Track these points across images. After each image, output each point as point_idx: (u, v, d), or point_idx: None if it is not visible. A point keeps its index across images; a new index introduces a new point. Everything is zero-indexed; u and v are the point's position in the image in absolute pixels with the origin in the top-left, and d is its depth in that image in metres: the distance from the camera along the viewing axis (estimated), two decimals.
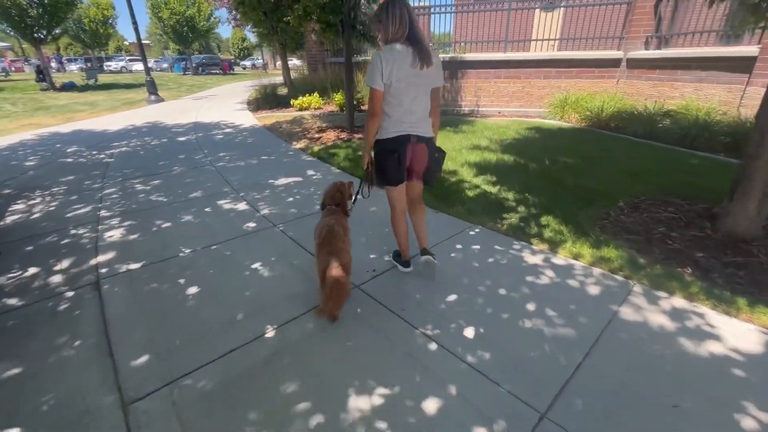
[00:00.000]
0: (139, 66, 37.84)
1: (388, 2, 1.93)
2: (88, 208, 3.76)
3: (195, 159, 5.49)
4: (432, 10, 9.58)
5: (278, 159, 5.39)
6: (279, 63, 24.04)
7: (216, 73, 30.48)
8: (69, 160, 5.60)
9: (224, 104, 11.83)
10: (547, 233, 3.01)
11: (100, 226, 3.34)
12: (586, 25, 8.06)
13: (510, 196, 3.75)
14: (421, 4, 9.99)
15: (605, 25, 7.90)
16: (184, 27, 25.31)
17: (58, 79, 20.44)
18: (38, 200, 4.03)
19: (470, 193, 3.83)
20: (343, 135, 6.44)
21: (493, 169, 4.54)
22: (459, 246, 2.88)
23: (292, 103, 9.71)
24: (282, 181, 4.42)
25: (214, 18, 26.09)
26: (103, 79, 23.49)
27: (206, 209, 3.67)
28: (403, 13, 1.91)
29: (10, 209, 3.82)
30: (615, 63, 7.81)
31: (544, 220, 3.22)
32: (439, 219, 3.35)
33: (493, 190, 3.91)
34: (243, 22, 10.78)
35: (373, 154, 2.20)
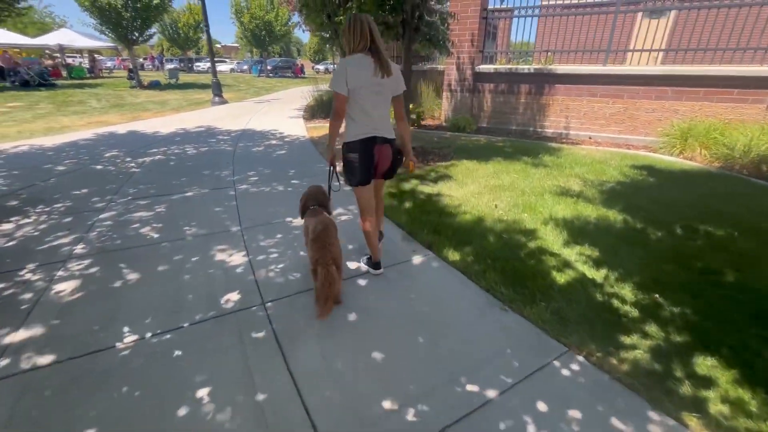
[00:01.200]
0: (223, 67, 40.83)
1: (351, 17, 2.12)
2: (68, 239, 3.11)
3: (220, 177, 4.80)
4: (516, 12, 8.17)
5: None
6: None
7: (288, 76, 31.41)
8: (99, 167, 5.23)
9: (282, 110, 11.46)
10: (715, 402, 1.64)
11: (59, 272, 2.63)
12: (709, 33, 6.15)
13: (626, 293, 2.39)
14: (504, 6, 8.64)
15: (743, 31, 5.93)
16: (262, 31, 26.32)
17: (147, 77, 22.17)
18: (30, 220, 3.50)
19: (559, 278, 2.53)
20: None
21: (593, 234, 3.15)
22: (544, 405, 1.63)
23: None
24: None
25: (291, 23, 26.82)
26: (186, 78, 25.16)
27: (193, 258, 2.82)
28: (364, 27, 2.10)
29: None
30: (764, 83, 5.82)
31: (700, 363, 1.84)
32: (511, 326, 2.12)
33: (597, 276, 2.56)
34: (307, 25, 10.27)
35: (342, 156, 2.34)
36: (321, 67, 48.38)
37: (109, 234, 3.21)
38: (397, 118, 2.41)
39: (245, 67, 40.16)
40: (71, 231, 3.28)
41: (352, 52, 2.14)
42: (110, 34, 16.89)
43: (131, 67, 18.39)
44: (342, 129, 2.31)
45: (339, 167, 2.50)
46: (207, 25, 11.89)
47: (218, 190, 4.34)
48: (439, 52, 5.39)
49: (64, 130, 7.92)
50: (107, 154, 5.91)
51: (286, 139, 7.13)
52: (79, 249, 2.95)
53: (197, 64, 39.00)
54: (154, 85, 18.51)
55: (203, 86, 19.22)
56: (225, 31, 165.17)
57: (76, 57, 27.74)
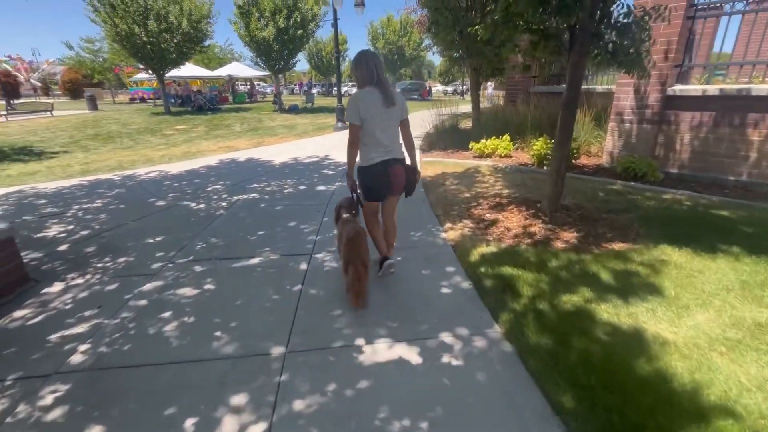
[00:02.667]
0: (355, 90, 43.66)
1: (359, 55, 2.42)
2: (84, 328, 2.37)
3: (300, 236, 3.81)
4: (728, 7, 5.39)
5: (402, 264, 3.11)
6: (488, 91, 22.32)
7: (414, 99, 31.42)
8: (193, 204, 4.86)
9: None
10: None
11: (43, 390, 1.79)
12: None
13: None
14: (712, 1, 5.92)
15: None
16: (394, 56, 26.87)
17: (292, 101, 24.53)
18: (82, 281, 2.98)
19: None
20: (537, 226, 3.63)
21: None
22: None
23: (470, 146, 7.36)
24: (383, 345, 2.09)
25: (422, 47, 26.71)
26: (322, 102, 27.15)
27: (190, 418, 1.68)
28: (370, 64, 2.39)
29: (43, 292, 2.84)
30: None
31: None
32: None
33: None
34: (437, 45, 9.19)
35: (358, 179, 2.63)
36: (449, 88, 47.79)
37: (126, 331, 2.36)
38: (404, 138, 2.67)
39: None
40: (100, 311, 2.57)
41: (362, 87, 2.42)
42: (263, 64, 18.93)
43: (276, 92, 20.37)
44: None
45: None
46: (338, 52, 11.91)
47: (290, 258, 3.31)
48: (626, 71, 3.44)
49: (197, 154, 8.38)
50: (210, 188, 5.63)
51: None
52: (77, 355, 2.14)
53: (335, 88, 42.64)
54: (293, 109, 20.11)
55: (333, 110, 20.10)
56: None
57: (245, 84, 32.98)
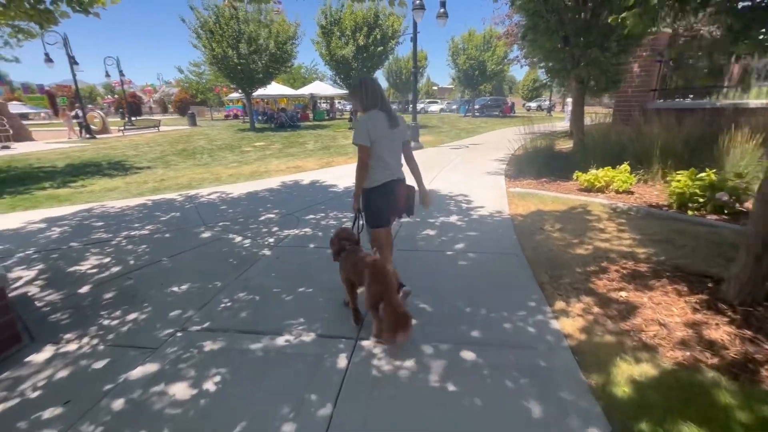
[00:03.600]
0: (434, 107, 42.98)
1: (361, 80, 2.48)
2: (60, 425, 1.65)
3: (344, 308, 2.86)
4: None
5: (480, 378, 1.96)
6: (568, 107, 19.96)
7: (495, 115, 29.56)
8: (238, 239, 4.24)
9: (480, 159, 9.28)
10: None
11: None
12: None
13: None
14: None
15: None
16: (475, 71, 25.55)
17: None
18: (73, 348, 2.36)
19: None
20: (721, 329, 2.20)
21: None
22: None
23: (575, 176, 5.87)
24: None
25: (507, 61, 25.00)
26: None
27: None
28: (375, 88, 2.44)
29: (26, 360, 2.26)
30: None
31: None
32: None
33: None
34: (531, 55, 7.87)
35: (363, 201, 2.54)
36: (533, 104, 44.65)
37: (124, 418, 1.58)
38: (407, 159, 2.66)
39: (454, 106, 40.99)
40: (65, 409, 1.87)
41: (366, 110, 2.42)
42: (341, 83, 19.08)
43: (352, 110, 20.39)
44: None
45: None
46: (416, 67, 11.13)
47: (327, 342, 2.36)
48: None
49: (264, 174, 8.08)
50: (263, 217, 5.02)
51: (475, 217, 4.79)
52: None
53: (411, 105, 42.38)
54: None
55: (408, 127, 19.42)
56: (443, 73, 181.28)
57: (326, 102, 34.30)
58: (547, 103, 40.83)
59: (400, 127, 2.48)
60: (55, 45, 18.05)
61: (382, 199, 2.50)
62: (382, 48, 17.11)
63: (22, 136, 18.75)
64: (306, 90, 28.92)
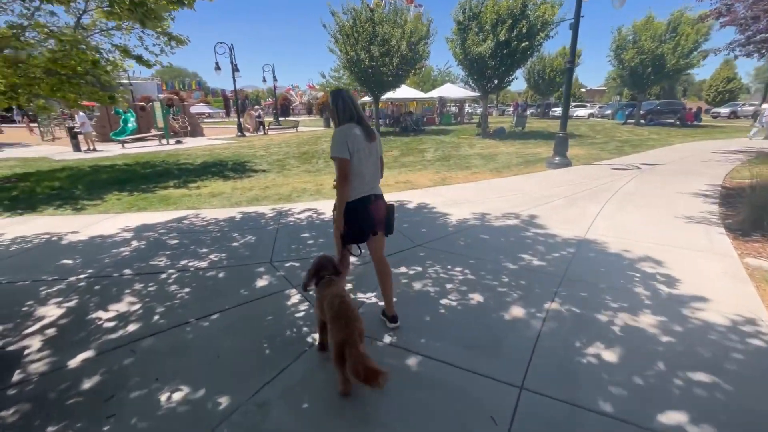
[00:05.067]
0: (581, 112, 36.96)
1: (336, 93, 2.39)
2: None
3: None
4: None
5: None
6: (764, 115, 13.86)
7: (669, 124, 23.21)
8: (292, 299, 3.03)
9: (667, 191, 6.36)
10: None
11: None
12: None
13: None
14: None
15: None
16: (647, 68, 20.29)
17: (500, 123, 21.98)
18: None
19: None
20: None
21: None
22: None
23: None
24: None
25: (698, 52, 19.03)
26: (535, 125, 23.39)
27: None
28: (347, 101, 2.34)
29: None
30: None
31: None
32: None
33: None
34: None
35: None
36: (724, 110, 34.35)
37: None
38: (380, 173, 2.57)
39: (608, 112, 34.40)
40: None
41: (340, 124, 2.33)
42: (473, 84, 17.21)
43: (482, 114, 18.29)
44: None
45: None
46: (572, 61, 8.61)
47: None
48: None
49: None
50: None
51: (694, 324, 2.58)
52: None
53: (554, 109, 37.23)
54: (498, 134, 17.52)
55: (548, 137, 16.33)
56: (592, 74, 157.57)
57: (455, 106, 32.65)
58: (752, 106, 30.77)
59: (376, 140, 2.41)
60: (223, 54, 20.91)
61: (358, 215, 2.36)
62: (527, 43, 14.57)
63: (197, 132, 22.32)
64: (435, 93, 27.75)
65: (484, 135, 16.92)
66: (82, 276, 3.49)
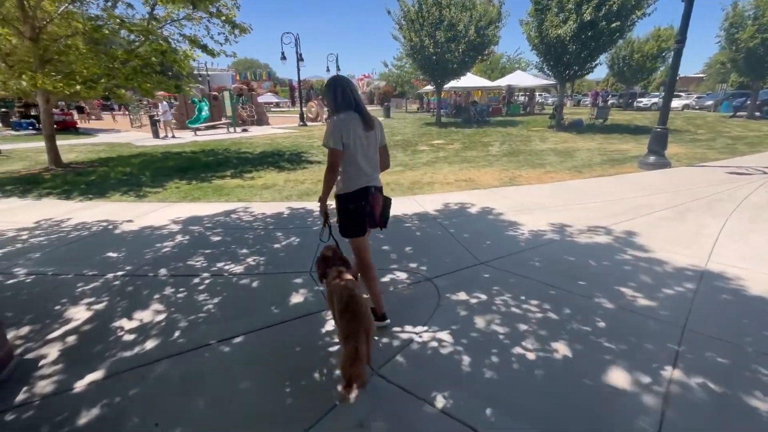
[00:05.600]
0: (674, 102, 32.29)
1: (334, 80, 2.28)
2: None
3: None
4: None
5: None
6: None
7: None
8: (326, 324, 2.55)
9: None
10: None
11: None
12: None
13: None
14: None
15: None
16: None
17: (577, 114, 19.85)
18: None
19: None
20: None
21: None
22: None
23: None
24: None
25: None
26: (619, 117, 20.78)
27: None
28: (346, 89, 2.23)
29: None
30: None
31: None
32: None
33: None
34: None
35: (337, 208, 2.33)
36: None
37: None
38: (382, 167, 2.45)
39: (708, 102, 29.67)
40: None
41: (337, 112, 2.23)
42: (549, 71, 15.55)
43: (557, 104, 16.54)
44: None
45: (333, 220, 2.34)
46: (682, 40, 7.08)
47: None
48: None
49: (425, 188, 6.34)
50: (387, 277, 3.20)
51: None
52: None
53: (639, 99, 33.03)
54: (575, 126, 15.73)
55: (636, 131, 14.24)
56: (687, 60, 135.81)
57: (524, 95, 30.30)
58: None
59: (376, 129, 2.31)
60: (289, 44, 21.26)
61: (357, 207, 2.27)
62: (617, 23, 12.64)
63: (263, 121, 23.14)
64: (504, 81, 25.90)
65: (558, 127, 15.26)
66: (119, 273, 3.34)
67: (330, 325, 2.52)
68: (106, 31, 7.40)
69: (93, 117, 26.92)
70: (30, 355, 2.30)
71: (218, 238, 4.15)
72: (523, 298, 2.79)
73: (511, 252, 3.62)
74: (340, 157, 2.17)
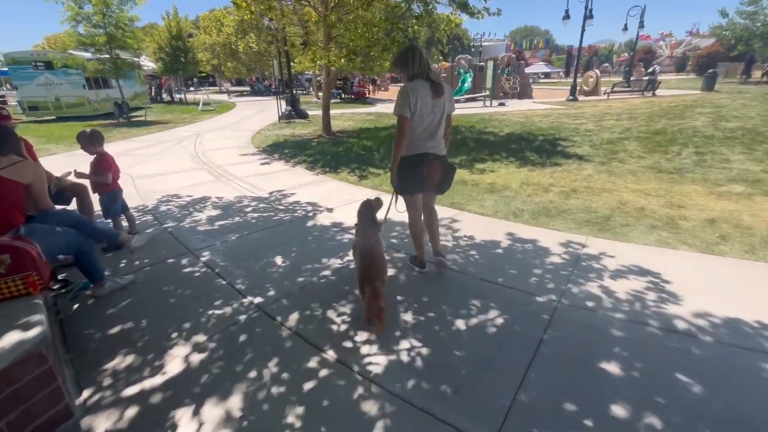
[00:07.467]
0: None
1: (408, 48, 2.37)
2: None
3: None
4: None
5: None
6: None
7: None
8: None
9: None
10: None
11: None
12: None
13: None
14: None
15: None
16: None
17: None
18: None
19: None
20: None
21: None
22: None
23: None
24: None
25: None
26: None
27: None
28: (422, 56, 2.31)
29: None
30: None
31: None
32: None
33: None
34: None
35: (398, 169, 2.47)
36: None
37: None
38: (446, 135, 2.55)
39: None
40: None
41: (411, 79, 2.33)
42: None
43: None
44: None
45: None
46: None
47: None
48: None
49: (745, 232, 2.92)
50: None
51: None
52: None
53: None
54: None
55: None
56: None
57: None
58: None
59: (445, 97, 2.40)
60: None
61: (413, 169, 2.45)
62: None
63: (525, 94, 20.68)
64: None
65: None
66: (252, 299, 2.60)
67: None
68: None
69: (382, 88, 31.91)
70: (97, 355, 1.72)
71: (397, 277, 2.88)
72: None
73: None
74: (408, 125, 2.32)
